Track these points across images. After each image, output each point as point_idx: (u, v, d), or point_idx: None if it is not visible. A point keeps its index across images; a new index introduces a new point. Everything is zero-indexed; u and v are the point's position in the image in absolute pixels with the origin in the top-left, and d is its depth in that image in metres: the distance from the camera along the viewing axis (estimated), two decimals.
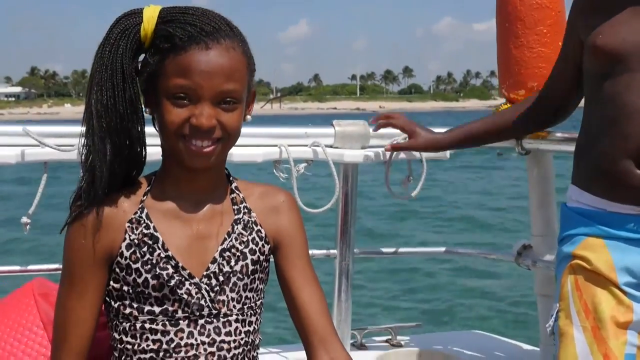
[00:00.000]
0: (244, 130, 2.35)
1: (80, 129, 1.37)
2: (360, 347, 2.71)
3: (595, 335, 1.68)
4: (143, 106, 1.39)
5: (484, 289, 8.55)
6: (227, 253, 1.40)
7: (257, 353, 1.47)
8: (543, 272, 2.51)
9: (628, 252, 1.69)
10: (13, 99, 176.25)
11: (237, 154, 2.20)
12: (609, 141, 1.69)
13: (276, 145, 2.28)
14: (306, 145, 2.32)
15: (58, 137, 2.05)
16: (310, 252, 2.52)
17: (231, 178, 1.49)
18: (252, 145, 2.28)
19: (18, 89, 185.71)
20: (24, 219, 2.09)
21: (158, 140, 1.41)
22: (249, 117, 1.45)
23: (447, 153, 2.47)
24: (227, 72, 1.32)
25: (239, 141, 2.48)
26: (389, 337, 2.78)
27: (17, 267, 2.34)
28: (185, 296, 1.35)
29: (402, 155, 2.39)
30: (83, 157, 1.36)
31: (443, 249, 3.02)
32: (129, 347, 1.36)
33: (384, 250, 2.92)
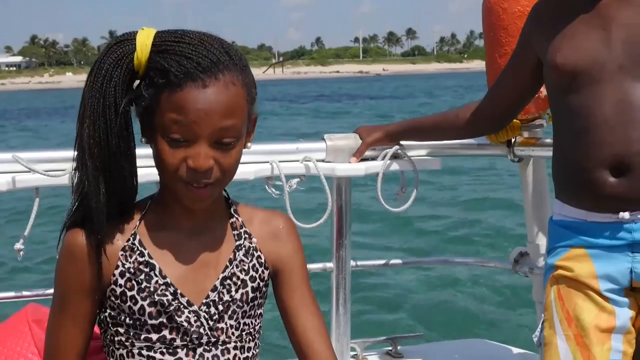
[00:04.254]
0: None
1: (72, 153, 1.32)
2: None
3: (578, 342, 1.70)
4: (141, 135, 1.34)
5: (485, 296, 8.52)
6: (228, 281, 1.37)
7: None
8: (540, 278, 2.50)
9: (609, 259, 1.72)
10: (14, 68, 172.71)
11: None
12: (581, 152, 1.71)
13: (268, 162, 2.27)
14: (298, 161, 2.32)
15: (48, 163, 2.04)
16: (307, 266, 2.53)
17: (230, 201, 1.46)
18: (243, 163, 2.26)
19: (19, 59, 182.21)
20: (17, 245, 2.07)
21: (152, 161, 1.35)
22: (249, 144, 1.40)
23: (439, 163, 2.47)
24: (224, 110, 1.25)
25: None
26: (390, 348, 2.76)
27: (12, 294, 2.32)
28: (184, 324, 1.32)
29: (394, 166, 2.39)
30: (76, 187, 1.32)
31: (440, 258, 3.01)
32: None
33: (380, 262, 2.91)
